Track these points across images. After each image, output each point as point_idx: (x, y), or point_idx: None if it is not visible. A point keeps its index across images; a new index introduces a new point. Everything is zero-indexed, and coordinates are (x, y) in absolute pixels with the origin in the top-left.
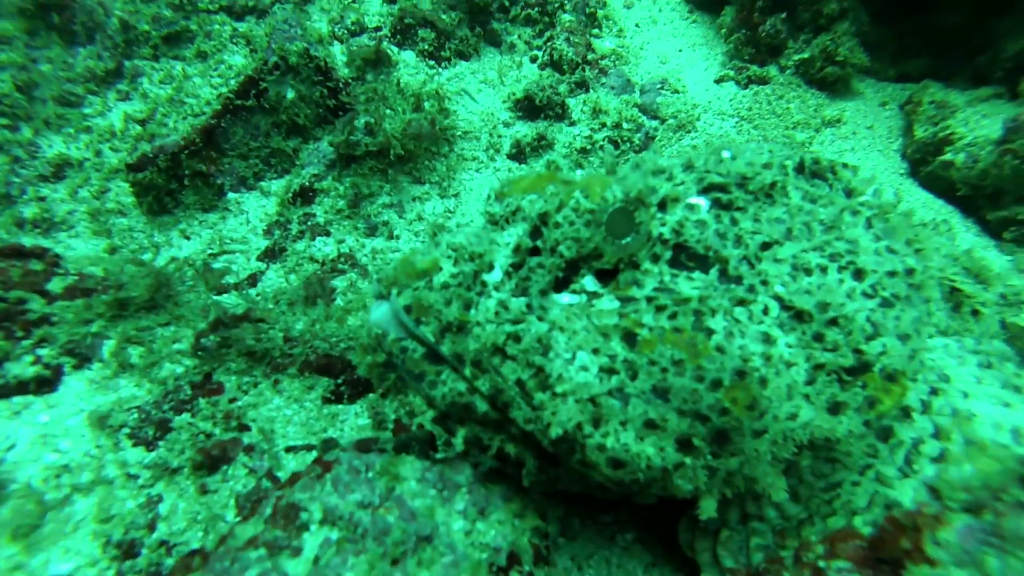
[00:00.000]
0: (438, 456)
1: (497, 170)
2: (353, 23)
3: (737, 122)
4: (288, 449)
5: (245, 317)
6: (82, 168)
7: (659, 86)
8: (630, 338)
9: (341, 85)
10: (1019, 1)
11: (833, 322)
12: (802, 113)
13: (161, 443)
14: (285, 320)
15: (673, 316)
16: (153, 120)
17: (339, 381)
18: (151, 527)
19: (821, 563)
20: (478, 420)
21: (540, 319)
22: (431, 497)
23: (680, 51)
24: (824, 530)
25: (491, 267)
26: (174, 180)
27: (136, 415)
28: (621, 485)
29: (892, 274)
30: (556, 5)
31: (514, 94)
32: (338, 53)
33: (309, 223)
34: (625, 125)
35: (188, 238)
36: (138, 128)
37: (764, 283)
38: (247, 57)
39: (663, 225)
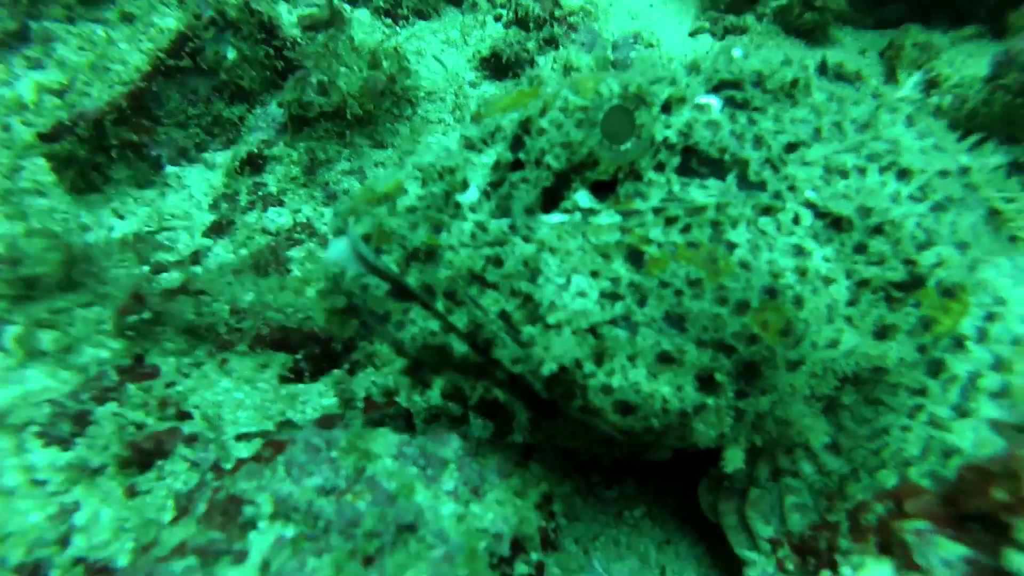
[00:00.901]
0: (406, 406)
1: None
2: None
3: None
4: (239, 437)
5: (181, 290)
6: None
7: (632, 41)
8: (636, 257)
9: (288, 44)
10: None
11: (878, 230)
12: None
13: (79, 440)
14: (232, 292)
15: (687, 229)
16: (73, 90)
17: (298, 356)
18: (63, 542)
19: (894, 525)
20: (457, 365)
21: (526, 240)
22: (412, 476)
23: (651, 6)
24: (874, 486)
25: (466, 186)
26: (100, 152)
27: (48, 409)
28: (631, 435)
29: (944, 174)
30: None
31: (480, 52)
32: (284, 13)
33: (260, 193)
34: None
35: (122, 217)
36: (55, 100)
37: (792, 188)
38: (180, 16)
39: (668, 128)
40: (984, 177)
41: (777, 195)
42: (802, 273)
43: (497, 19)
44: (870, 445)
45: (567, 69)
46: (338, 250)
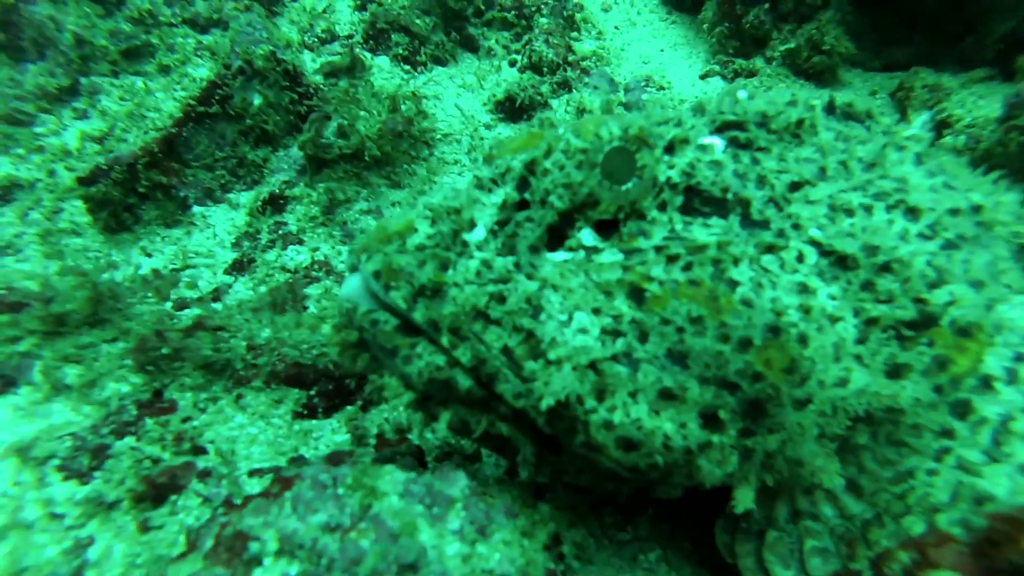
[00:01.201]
0: (418, 443)
1: None
2: (323, 31)
3: None
4: (252, 473)
5: (199, 326)
6: (33, 189)
7: (644, 84)
8: (637, 294)
9: (312, 91)
10: None
11: (885, 267)
12: None
13: (97, 474)
14: (249, 328)
15: (688, 267)
16: (112, 136)
17: (312, 393)
18: None
19: (921, 575)
20: (462, 399)
21: (530, 277)
22: (417, 515)
23: (662, 51)
24: (899, 533)
25: (473, 225)
26: (132, 194)
27: (69, 443)
28: (636, 472)
29: (954, 212)
30: (533, 9)
31: (495, 96)
32: (308, 60)
33: (280, 232)
34: None
35: (149, 255)
36: (96, 146)
37: (796, 227)
38: (211, 67)
39: (671, 168)
40: (1008, 213)
41: (781, 233)
42: (806, 311)
43: (512, 64)
44: (894, 489)
45: (580, 111)
46: (351, 286)
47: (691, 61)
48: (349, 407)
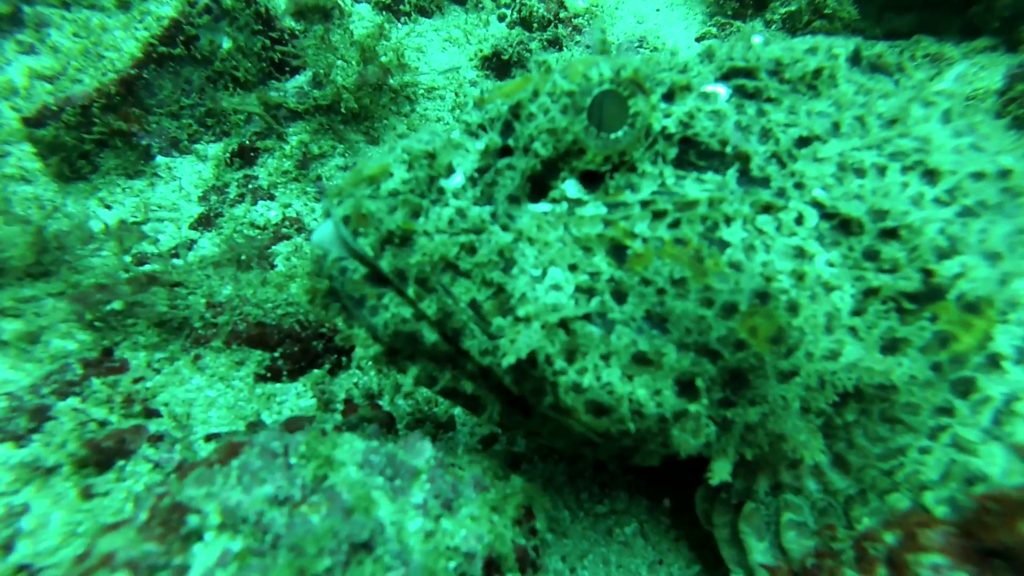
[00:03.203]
0: (388, 409)
1: None
2: None
3: None
4: (209, 437)
5: (154, 280)
6: None
7: (637, 44)
8: (618, 251)
9: (286, 36)
10: None
11: (892, 234)
12: None
13: (35, 436)
14: (209, 284)
15: (675, 224)
16: (64, 75)
17: (276, 355)
18: (7, 547)
19: (907, 557)
20: (429, 354)
21: (505, 228)
22: (376, 487)
23: (658, 10)
24: (881, 510)
25: (451, 171)
26: (87, 140)
27: (4, 403)
28: (608, 438)
29: (978, 176)
30: None
31: (481, 51)
32: (282, 3)
33: (250, 186)
34: None
35: (109, 207)
36: (47, 86)
37: (799, 186)
38: (176, 3)
39: (668, 116)
40: None
41: (781, 192)
42: (800, 277)
43: (501, 19)
44: (882, 465)
45: None
46: (323, 232)
47: (688, 22)
48: (316, 370)
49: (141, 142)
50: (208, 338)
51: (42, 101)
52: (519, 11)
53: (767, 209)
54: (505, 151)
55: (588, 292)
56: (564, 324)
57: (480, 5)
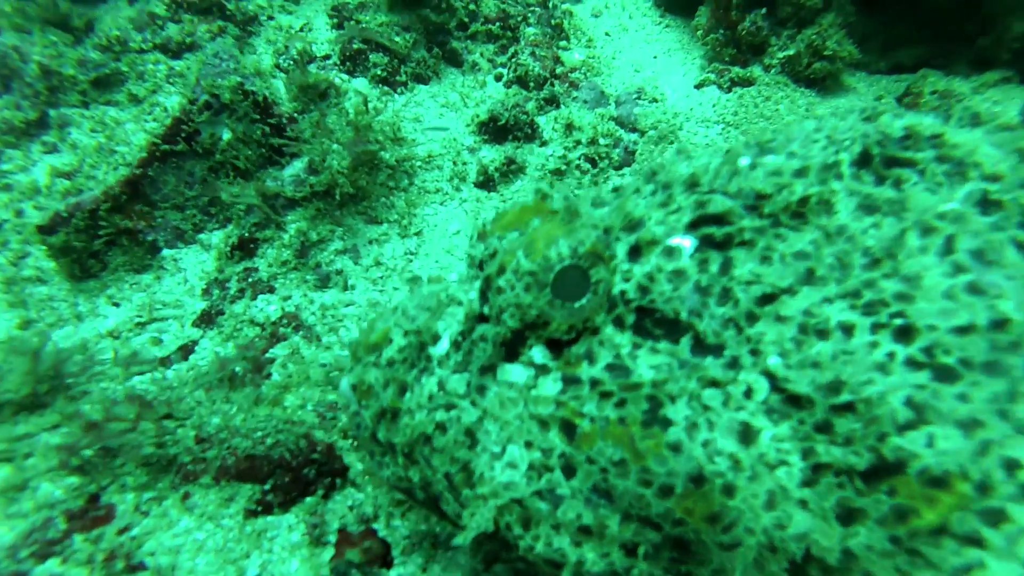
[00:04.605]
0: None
1: (464, 201)
2: (299, 53)
3: (723, 128)
4: None
5: (140, 417)
6: (0, 230)
7: (636, 96)
8: (569, 429)
9: (284, 121)
10: None
11: (847, 407)
12: (793, 114)
13: None
14: (199, 414)
15: (621, 404)
16: (80, 172)
17: (267, 487)
18: None
19: None
20: (423, 504)
21: (474, 404)
22: None
23: (655, 58)
24: None
25: (436, 339)
26: (96, 240)
27: None
28: None
29: (964, 330)
30: (519, 19)
31: (478, 116)
32: (283, 86)
33: (250, 279)
34: (602, 141)
35: (117, 304)
36: (66, 182)
37: (755, 352)
38: (180, 99)
39: (627, 280)
40: None
41: (734, 362)
42: (736, 460)
43: (498, 79)
44: None
45: (569, 128)
46: (344, 384)
47: (686, 68)
48: (309, 498)
49: (147, 238)
50: (197, 474)
51: (53, 209)
52: (515, 70)
53: (715, 383)
54: (483, 317)
55: (541, 468)
56: (518, 502)
57: (477, 66)
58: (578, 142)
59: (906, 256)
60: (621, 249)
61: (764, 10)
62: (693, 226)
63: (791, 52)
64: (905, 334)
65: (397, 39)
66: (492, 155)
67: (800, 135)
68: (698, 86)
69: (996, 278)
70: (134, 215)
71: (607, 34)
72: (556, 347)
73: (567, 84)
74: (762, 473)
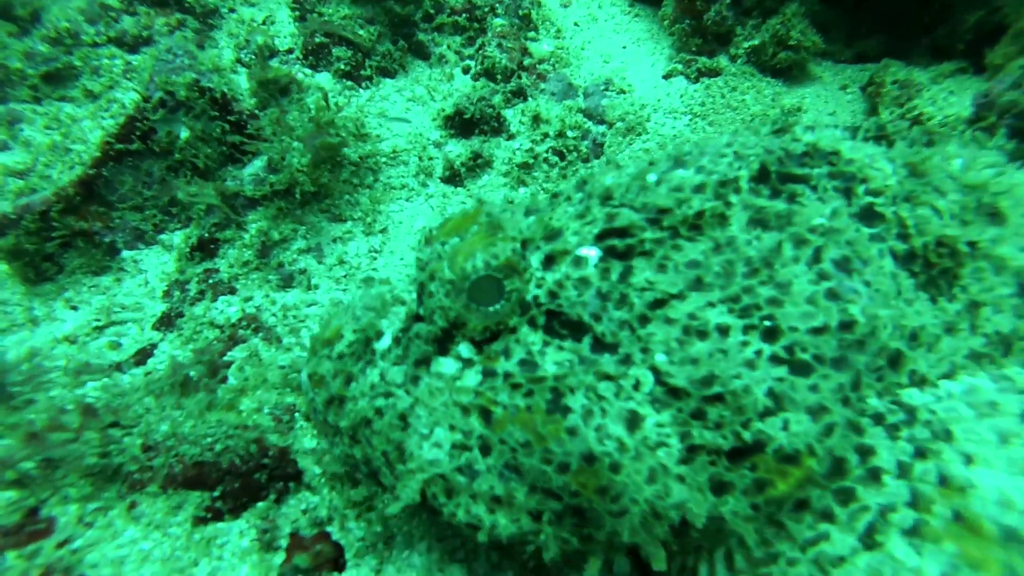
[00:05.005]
0: (337, 538)
1: (430, 196)
2: (260, 47)
3: (691, 119)
4: None
5: (84, 426)
6: None
7: (603, 87)
8: (486, 415)
9: (246, 117)
10: None
11: (717, 398)
12: (759, 104)
13: None
14: (146, 422)
15: (529, 394)
16: (34, 172)
17: (216, 494)
18: None
19: None
20: (367, 478)
21: (408, 392)
22: None
23: (624, 48)
24: None
25: (380, 335)
26: (50, 243)
27: None
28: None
29: (819, 331)
30: (486, 10)
31: (444, 110)
32: (244, 81)
33: (210, 280)
34: (569, 133)
35: (75, 308)
36: (18, 182)
37: (645, 350)
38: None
39: (540, 287)
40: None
41: (626, 359)
42: (621, 443)
43: (466, 71)
44: (763, 571)
45: (536, 121)
46: (303, 376)
47: (654, 58)
48: (261, 503)
49: (105, 239)
50: (144, 483)
51: (2, 211)
52: (482, 63)
53: (609, 377)
54: (420, 317)
55: (462, 447)
56: (442, 476)
57: (444, 58)
58: (546, 135)
59: (781, 265)
60: (536, 259)
61: (728, 0)
62: (600, 237)
63: (756, 42)
64: (772, 335)
65: (361, 32)
66: (458, 150)
67: (712, 150)
68: (666, 76)
69: (854, 284)
70: (89, 216)
71: (576, 24)
72: (481, 343)
73: (535, 76)
74: (644, 453)
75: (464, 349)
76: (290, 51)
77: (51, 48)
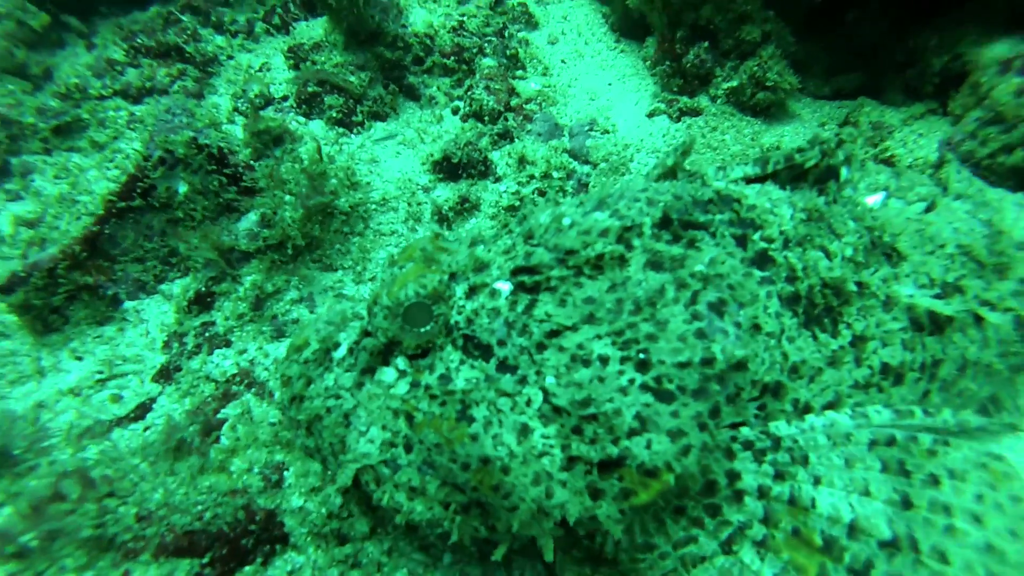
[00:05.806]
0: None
1: None
2: (257, 95)
3: None
4: None
5: (84, 497)
6: None
7: (588, 128)
8: (410, 419)
9: (241, 169)
10: (931, 18)
11: (592, 417)
12: (739, 144)
13: None
14: (140, 491)
15: (443, 404)
16: (43, 222)
17: (205, 560)
18: None
19: None
20: (322, 463)
21: (352, 395)
22: None
23: (610, 85)
24: None
25: (337, 345)
26: (56, 297)
27: None
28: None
29: (683, 365)
30: (474, 51)
31: (432, 155)
32: (239, 132)
33: (207, 333)
34: (555, 174)
35: (80, 358)
36: (29, 231)
37: (539, 373)
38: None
39: (460, 314)
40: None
41: (523, 380)
42: (511, 450)
43: (455, 112)
44: (639, 555)
45: (522, 163)
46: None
47: (639, 95)
48: (248, 567)
49: (108, 292)
50: (138, 551)
51: (10, 269)
52: (470, 104)
53: (507, 394)
54: (368, 332)
55: (390, 444)
56: (371, 467)
57: (434, 100)
58: (532, 176)
59: (663, 305)
60: (461, 289)
61: (707, 43)
62: (515, 273)
63: (735, 83)
64: (644, 366)
65: (352, 79)
66: (447, 194)
67: (629, 194)
68: (650, 115)
69: (724, 325)
70: (93, 271)
71: (563, 61)
72: (413, 357)
73: (521, 117)
74: (531, 460)
75: (400, 362)
76: (285, 98)
77: (61, 103)
